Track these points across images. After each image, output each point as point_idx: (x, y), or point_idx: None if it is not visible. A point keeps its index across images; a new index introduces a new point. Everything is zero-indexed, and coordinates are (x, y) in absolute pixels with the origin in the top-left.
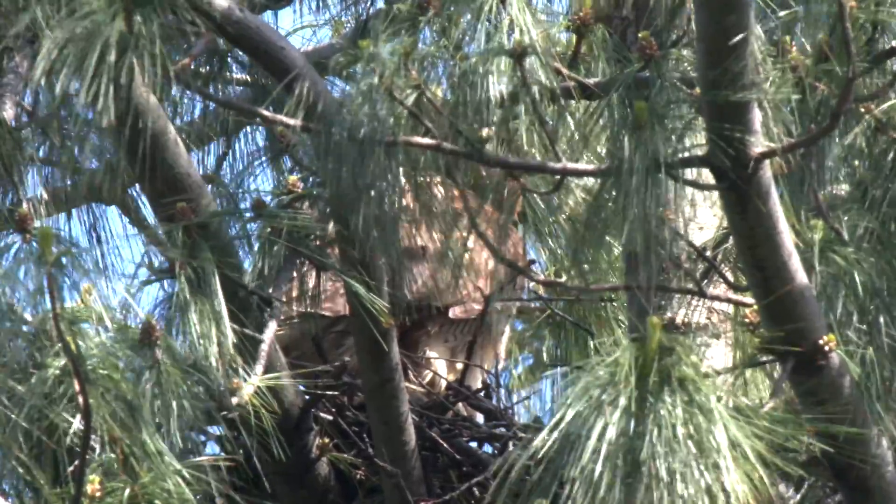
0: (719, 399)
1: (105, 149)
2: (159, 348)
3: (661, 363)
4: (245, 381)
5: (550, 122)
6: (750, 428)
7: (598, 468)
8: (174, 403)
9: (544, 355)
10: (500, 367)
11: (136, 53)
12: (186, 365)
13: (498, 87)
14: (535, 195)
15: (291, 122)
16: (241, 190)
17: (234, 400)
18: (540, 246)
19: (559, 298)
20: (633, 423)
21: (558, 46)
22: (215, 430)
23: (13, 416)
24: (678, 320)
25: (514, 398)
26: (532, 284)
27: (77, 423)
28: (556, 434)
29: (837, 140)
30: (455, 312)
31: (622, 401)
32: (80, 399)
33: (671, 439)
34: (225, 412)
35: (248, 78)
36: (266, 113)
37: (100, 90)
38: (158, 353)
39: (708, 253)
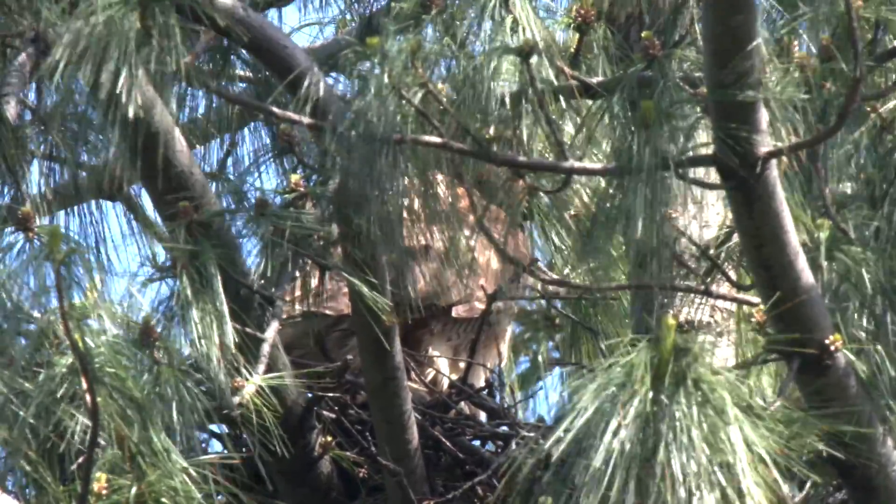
0: (734, 399)
1: (107, 146)
2: (158, 349)
3: (676, 364)
4: (247, 380)
5: (556, 121)
6: (764, 429)
7: (611, 468)
8: (173, 403)
9: (539, 359)
10: (502, 365)
11: (151, 49)
12: (187, 364)
13: (503, 85)
14: (541, 194)
15: (298, 118)
16: (245, 187)
17: (236, 399)
18: (545, 244)
19: (563, 297)
20: (648, 424)
21: (562, 43)
22: (220, 428)
23: (21, 413)
24: (682, 319)
25: (518, 397)
26: (535, 282)
27: (84, 421)
28: (570, 434)
29: (843, 139)
30: (458, 311)
31: (637, 401)
32: (88, 397)
33: (686, 441)
34: (226, 412)
35: (252, 75)
36: (275, 109)
37: (118, 85)
38: (157, 353)
39: (711, 251)
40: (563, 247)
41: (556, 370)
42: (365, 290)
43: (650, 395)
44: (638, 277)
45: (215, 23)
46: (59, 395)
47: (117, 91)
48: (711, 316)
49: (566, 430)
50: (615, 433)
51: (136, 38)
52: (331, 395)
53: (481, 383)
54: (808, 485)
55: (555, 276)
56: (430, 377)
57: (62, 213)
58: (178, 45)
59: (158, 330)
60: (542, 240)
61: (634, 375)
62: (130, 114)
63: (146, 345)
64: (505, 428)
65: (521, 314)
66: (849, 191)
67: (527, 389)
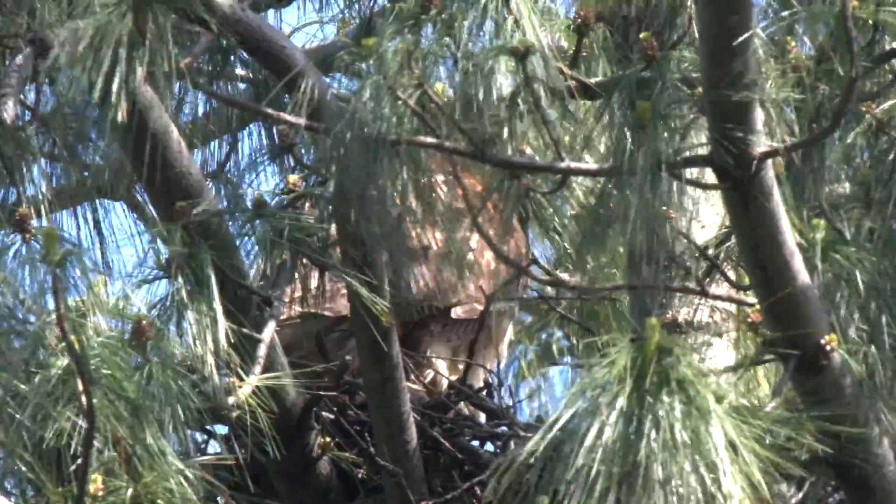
0: (718, 400)
1: (108, 147)
2: (150, 348)
3: (659, 364)
4: (243, 380)
5: (553, 122)
6: (748, 428)
7: (595, 469)
8: (165, 404)
9: (554, 348)
10: (502, 365)
11: (145, 51)
12: (181, 365)
13: (501, 85)
14: (538, 194)
15: (296, 120)
16: (244, 187)
17: (231, 400)
18: (544, 245)
19: (562, 298)
20: (631, 424)
21: (564, 42)
22: (215, 429)
23: (17, 415)
24: (680, 319)
25: (516, 398)
26: (535, 283)
27: (80, 423)
28: (552, 434)
29: (839, 140)
30: (457, 312)
31: (620, 401)
32: (84, 399)
33: (669, 440)
34: (222, 412)
35: (252, 75)
36: (271, 111)
37: (111, 87)
38: (149, 353)
39: (710, 252)
40: (560, 247)
41: (555, 368)
42: (363, 291)
43: (633, 394)
44: (634, 278)
45: (212, 23)
46: (55, 397)
47: (111, 93)
48: (710, 316)
49: (549, 430)
50: (598, 433)
51: (129, 39)
52: (329, 395)
53: (480, 384)
54: (807, 485)
55: (553, 277)
56: (428, 378)
57: (63, 213)
58: (172, 46)
59: (151, 330)
60: (541, 240)
61: (618, 375)
62: (119, 117)
63: (138, 345)
64: (504, 428)
65: (527, 304)
66: (844, 191)
67: (533, 384)
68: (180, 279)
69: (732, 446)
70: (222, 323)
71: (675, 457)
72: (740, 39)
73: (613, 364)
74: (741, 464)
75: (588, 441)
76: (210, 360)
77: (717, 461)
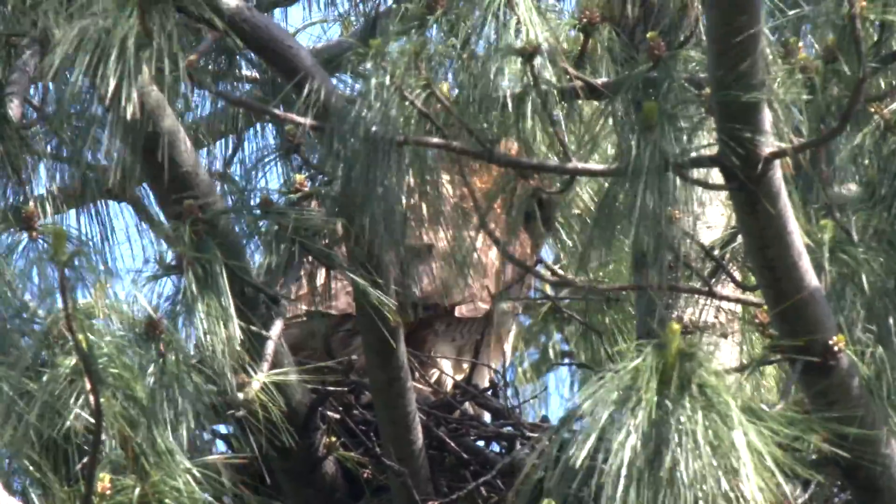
0: (741, 407)
1: (114, 146)
2: (163, 343)
3: (681, 369)
4: (251, 376)
5: (560, 122)
6: (767, 433)
7: (623, 473)
8: (179, 398)
9: (550, 351)
10: (506, 365)
11: (152, 50)
12: (193, 360)
13: (507, 86)
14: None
15: (302, 120)
16: (249, 188)
17: (241, 395)
18: (550, 245)
19: (567, 298)
20: (655, 429)
21: (565, 44)
22: (223, 428)
23: (24, 414)
24: (686, 319)
25: (522, 397)
26: (540, 283)
27: (89, 421)
28: (589, 440)
29: (846, 140)
30: (462, 311)
31: (644, 406)
32: (92, 398)
33: (691, 445)
34: (231, 412)
35: (258, 75)
36: (277, 112)
37: (119, 86)
38: (163, 347)
39: (716, 252)
40: (566, 247)
41: (562, 368)
42: (369, 289)
43: (656, 399)
44: (640, 278)
45: (219, 23)
46: (62, 396)
47: (118, 92)
48: (716, 317)
49: (584, 436)
50: (626, 438)
51: (136, 39)
52: (335, 395)
53: (486, 383)
54: (813, 485)
55: (559, 277)
56: (434, 377)
57: (70, 211)
58: (178, 46)
59: (164, 324)
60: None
61: (640, 381)
62: (129, 115)
63: (151, 338)
64: (509, 428)
65: (529, 305)
66: (852, 191)
67: (539, 383)
68: (191, 274)
69: (753, 451)
70: (235, 318)
71: (697, 461)
72: (747, 39)
73: (637, 369)
74: (761, 467)
75: (615, 445)
76: (221, 354)
77: (738, 466)
